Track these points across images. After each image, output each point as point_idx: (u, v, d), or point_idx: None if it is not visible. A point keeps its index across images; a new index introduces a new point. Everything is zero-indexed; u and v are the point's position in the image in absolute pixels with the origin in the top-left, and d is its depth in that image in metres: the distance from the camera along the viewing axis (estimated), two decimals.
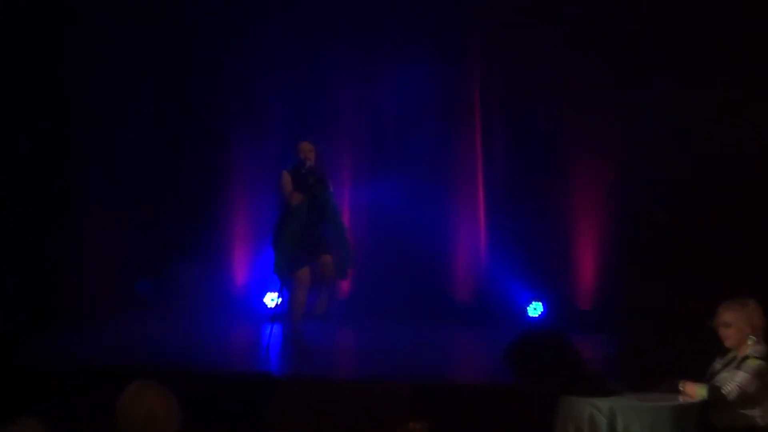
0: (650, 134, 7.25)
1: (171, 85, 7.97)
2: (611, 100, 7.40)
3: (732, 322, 4.31)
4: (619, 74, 7.39)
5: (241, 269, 8.07)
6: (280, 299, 6.44)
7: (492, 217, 7.84)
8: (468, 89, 7.84)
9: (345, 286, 7.58)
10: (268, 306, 7.63)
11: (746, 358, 4.27)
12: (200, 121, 8.03)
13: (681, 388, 4.35)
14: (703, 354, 4.48)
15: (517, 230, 7.65)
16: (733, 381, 4.23)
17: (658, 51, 7.19)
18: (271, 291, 7.63)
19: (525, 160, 7.72)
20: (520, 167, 7.75)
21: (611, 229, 7.43)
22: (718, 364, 4.43)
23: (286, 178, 6.14)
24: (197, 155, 8.06)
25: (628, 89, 7.34)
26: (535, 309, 7.57)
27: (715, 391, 4.25)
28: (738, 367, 4.28)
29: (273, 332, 6.33)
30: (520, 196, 7.73)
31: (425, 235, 7.75)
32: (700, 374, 4.41)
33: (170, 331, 6.92)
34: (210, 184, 8.10)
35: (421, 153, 7.80)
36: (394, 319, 7.44)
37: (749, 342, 4.30)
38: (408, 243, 7.78)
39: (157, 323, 7.16)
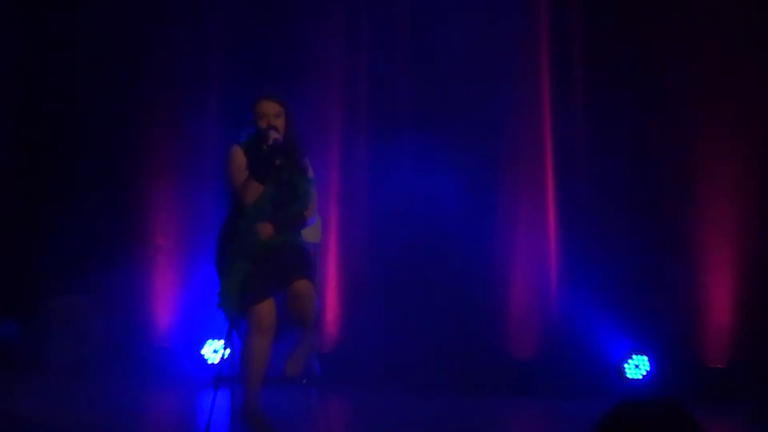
0: None
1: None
2: (750, 58, 7.39)
3: None
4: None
5: (163, 306, 8.12)
6: (229, 351, 6.34)
7: (570, 230, 7.84)
8: (536, 38, 7.85)
9: (333, 331, 7.66)
10: (209, 362, 7.77)
11: None
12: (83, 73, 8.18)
13: None
14: None
15: (607, 248, 7.66)
16: None
17: None
18: (213, 339, 7.73)
19: (620, 146, 7.72)
20: (614, 156, 7.72)
21: (756, 247, 7.39)
22: None
23: (239, 158, 5.93)
24: (86, 125, 8.16)
25: None
26: (637, 367, 7.61)
27: None
28: None
29: (216, 403, 6.10)
30: (613, 197, 7.72)
31: (464, 253, 7.72)
32: None
33: (58, 401, 6.94)
34: (113, 172, 8.14)
35: (462, 130, 7.83)
36: (412, 386, 7.50)
37: None
38: (435, 266, 7.78)
39: (34, 390, 7.25)
